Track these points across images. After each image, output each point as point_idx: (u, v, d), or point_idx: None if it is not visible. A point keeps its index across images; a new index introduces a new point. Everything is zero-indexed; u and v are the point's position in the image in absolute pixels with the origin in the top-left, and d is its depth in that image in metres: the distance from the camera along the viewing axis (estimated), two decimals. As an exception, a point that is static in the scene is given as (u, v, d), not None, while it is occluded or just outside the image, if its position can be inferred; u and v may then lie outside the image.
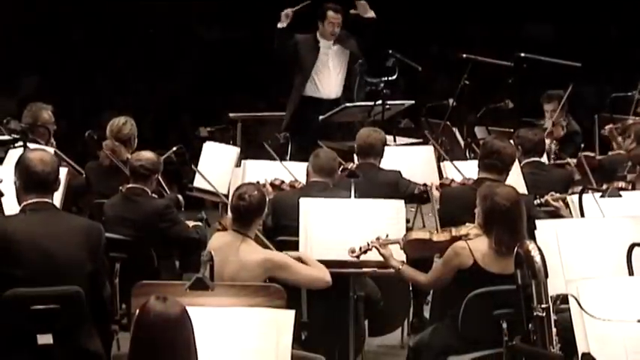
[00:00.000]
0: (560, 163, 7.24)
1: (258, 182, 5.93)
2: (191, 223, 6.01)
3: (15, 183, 4.22)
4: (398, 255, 5.01)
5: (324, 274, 4.84)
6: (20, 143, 6.09)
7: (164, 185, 6.42)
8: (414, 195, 6.26)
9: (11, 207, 4.53)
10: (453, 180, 6.27)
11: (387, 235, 5.02)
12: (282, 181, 6.31)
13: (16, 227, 4.10)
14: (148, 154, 6.00)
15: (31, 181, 4.16)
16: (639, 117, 7.84)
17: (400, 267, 4.95)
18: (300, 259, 4.87)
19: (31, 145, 6.01)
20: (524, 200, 5.52)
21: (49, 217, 4.15)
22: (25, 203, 4.17)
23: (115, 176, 6.36)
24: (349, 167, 6.33)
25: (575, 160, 7.12)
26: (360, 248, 5.04)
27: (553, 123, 8.04)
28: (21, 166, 4.21)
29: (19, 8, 12.60)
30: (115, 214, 5.82)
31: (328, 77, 8.34)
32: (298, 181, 6.28)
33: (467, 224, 4.83)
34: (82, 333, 4.10)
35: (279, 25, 8.24)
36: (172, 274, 5.75)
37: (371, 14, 8.32)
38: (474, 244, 4.67)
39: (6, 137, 6.50)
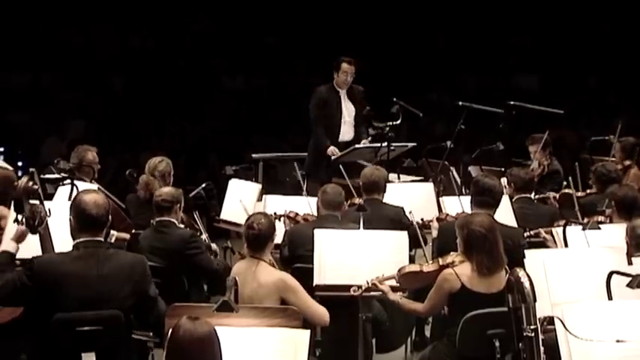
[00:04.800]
0: (543, 197, 7.23)
1: (275, 213, 6.00)
2: None
3: (70, 221, 4.19)
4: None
5: (326, 316, 4.75)
6: (68, 181, 6.11)
7: (199, 223, 6.41)
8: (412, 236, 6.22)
9: (61, 238, 4.52)
10: (448, 215, 6.29)
11: (383, 274, 5.00)
12: (297, 214, 6.33)
13: (67, 264, 4.06)
14: (167, 189, 6.06)
15: (85, 222, 4.12)
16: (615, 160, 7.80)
17: (399, 300, 4.95)
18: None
19: (78, 183, 6.03)
20: (515, 232, 5.55)
21: (98, 254, 4.11)
22: (78, 241, 4.14)
23: (151, 208, 6.38)
24: (357, 202, 6.34)
25: (557, 195, 7.12)
26: (361, 287, 5.01)
27: (538, 163, 8.07)
28: (77, 207, 4.16)
29: (66, 63, 12.76)
30: (147, 244, 5.84)
31: (344, 122, 8.30)
32: (311, 214, 6.30)
33: (451, 253, 4.80)
34: (121, 351, 4.09)
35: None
36: (201, 297, 5.74)
37: None
38: (460, 269, 4.68)
39: (56, 176, 6.53)
